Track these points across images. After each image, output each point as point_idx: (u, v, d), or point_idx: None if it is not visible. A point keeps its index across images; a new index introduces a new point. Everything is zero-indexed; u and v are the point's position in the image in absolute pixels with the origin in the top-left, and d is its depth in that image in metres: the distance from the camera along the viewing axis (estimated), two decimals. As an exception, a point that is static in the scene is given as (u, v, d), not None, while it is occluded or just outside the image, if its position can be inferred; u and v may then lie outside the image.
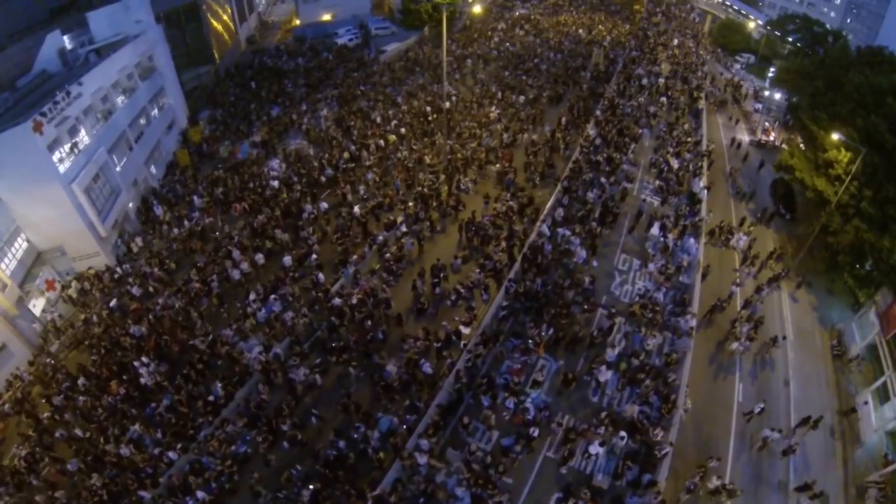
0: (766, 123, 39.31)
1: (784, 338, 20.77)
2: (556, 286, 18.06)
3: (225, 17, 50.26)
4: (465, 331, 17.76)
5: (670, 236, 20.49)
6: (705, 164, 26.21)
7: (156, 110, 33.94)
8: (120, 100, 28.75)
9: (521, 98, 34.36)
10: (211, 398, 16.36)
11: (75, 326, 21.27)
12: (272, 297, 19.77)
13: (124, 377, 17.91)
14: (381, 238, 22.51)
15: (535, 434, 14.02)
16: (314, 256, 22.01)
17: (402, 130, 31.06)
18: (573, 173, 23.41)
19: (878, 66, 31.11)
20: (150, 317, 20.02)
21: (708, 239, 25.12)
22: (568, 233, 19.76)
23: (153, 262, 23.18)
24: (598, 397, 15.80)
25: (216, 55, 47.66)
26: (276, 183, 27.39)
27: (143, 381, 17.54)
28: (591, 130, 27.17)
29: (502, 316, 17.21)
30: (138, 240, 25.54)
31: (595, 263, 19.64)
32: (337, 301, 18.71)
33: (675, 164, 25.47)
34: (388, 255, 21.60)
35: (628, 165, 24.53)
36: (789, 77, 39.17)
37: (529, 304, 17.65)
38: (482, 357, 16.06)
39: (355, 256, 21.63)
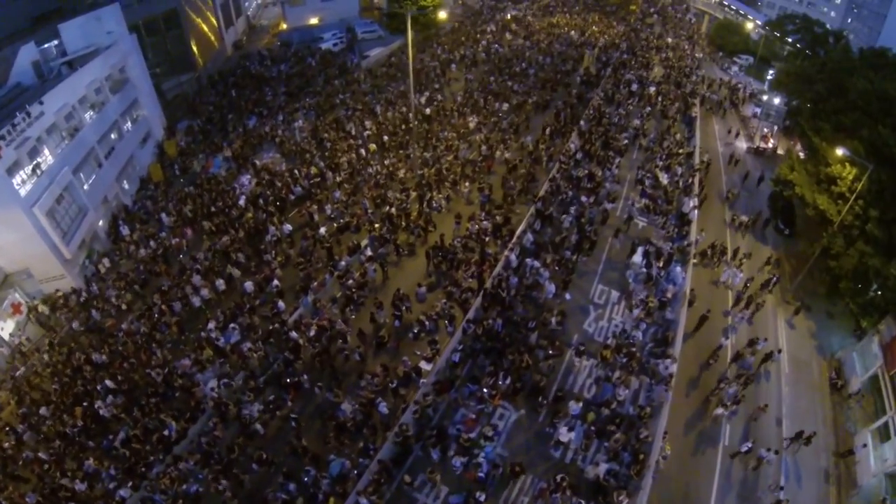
0: (765, 129, 36.55)
1: (779, 351, 18.80)
2: (518, 326, 15.81)
3: (209, 23, 48.08)
4: (426, 367, 15.89)
5: (655, 264, 18.07)
6: (696, 181, 23.49)
7: (129, 123, 32.24)
8: (88, 116, 27.11)
9: (505, 105, 31.90)
10: (166, 432, 15.42)
11: (41, 351, 20.28)
12: (231, 325, 18.41)
13: (85, 404, 17.00)
14: (343, 264, 20.77)
15: (482, 499, 11.98)
16: (275, 282, 20.37)
17: (375, 144, 28.79)
18: (548, 193, 20.88)
19: (883, 68, 28.41)
20: (111, 344, 19.03)
21: (699, 260, 22.73)
22: (537, 264, 17.38)
23: (119, 284, 22.12)
24: (561, 452, 13.67)
25: (199, 62, 45.62)
26: (242, 201, 25.54)
27: (101, 412, 16.65)
28: (572, 143, 24.58)
29: (458, 359, 15.02)
30: (105, 260, 24.22)
31: (568, 296, 17.26)
32: (293, 334, 17.16)
33: (664, 179, 22.96)
34: (350, 281, 19.81)
35: (611, 183, 21.88)
36: (789, 80, 36.34)
37: (490, 344, 15.53)
38: (433, 406, 14.18)
39: (315, 283, 19.90)
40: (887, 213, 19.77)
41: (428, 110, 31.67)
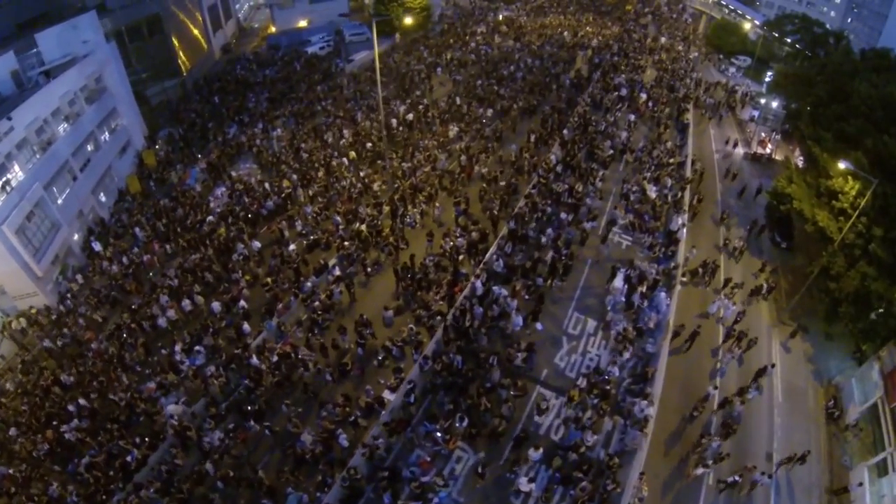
0: (762, 134, 34.49)
1: (772, 366, 17.21)
2: (480, 362, 14.18)
3: (196, 26, 46.47)
4: (389, 397, 14.84)
5: (637, 290, 16.24)
6: (687, 195, 21.47)
7: (106, 134, 31.00)
8: (62, 128, 25.91)
9: (490, 111, 30.04)
10: (129, 458, 14.80)
11: (13, 370, 19.63)
12: (196, 348, 17.55)
13: (55, 423, 16.42)
14: (309, 285, 19.37)
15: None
16: (242, 303, 19.14)
17: (352, 154, 27.07)
18: (524, 210, 18.99)
19: (886, 71, 26.32)
20: (80, 364, 18.31)
21: (688, 279, 20.89)
22: (504, 293, 15.61)
23: (91, 301, 21.29)
24: (522, 500, 12.10)
25: (185, 66, 44.06)
26: (212, 216, 24.23)
27: (66, 436, 16.02)
28: (553, 154, 22.65)
29: (413, 399, 13.46)
30: (78, 277, 23.31)
31: (539, 326, 15.47)
32: (255, 360, 16.04)
33: (652, 192, 21.02)
34: (316, 303, 18.44)
35: (591, 199, 19.89)
36: (787, 82, 34.23)
37: (451, 379, 13.95)
38: (387, 446, 12.87)
39: (281, 305, 18.57)
40: (892, 232, 17.79)
41: (410, 116, 29.93)
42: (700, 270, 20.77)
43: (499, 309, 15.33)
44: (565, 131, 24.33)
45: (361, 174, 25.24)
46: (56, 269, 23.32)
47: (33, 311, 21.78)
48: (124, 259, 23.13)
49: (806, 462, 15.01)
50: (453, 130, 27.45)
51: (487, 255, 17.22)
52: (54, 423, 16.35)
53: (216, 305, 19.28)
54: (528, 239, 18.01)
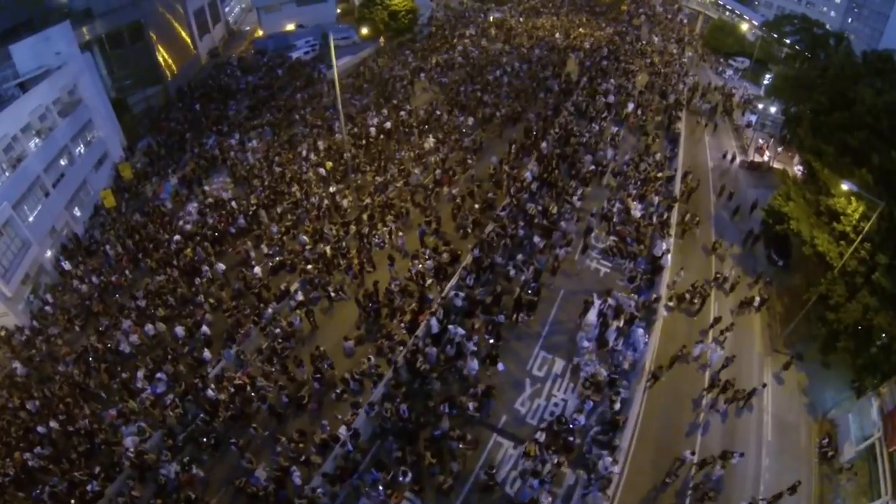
0: (760, 140, 32.33)
1: (763, 386, 15.75)
2: (429, 409, 12.59)
3: (180, 31, 44.79)
4: (344, 435, 13.28)
5: (613, 325, 14.39)
6: (675, 215, 19.43)
7: (81, 147, 29.71)
8: (33, 144, 24.68)
9: (471, 120, 28.11)
10: (89, 487, 13.95)
11: None
12: (158, 375, 16.81)
13: (22, 446, 15.70)
14: (269, 311, 17.97)
15: None
16: (204, 328, 18.10)
17: (329, 164, 25.33)
18: (490, 236, 17.08)
19: (890, 74, 24.05)
20: (46, 388, 17.41)
21: (675, 305, 18.99)
22: (461, 332, 13.86)
23: (61, 321, 20.37)
24: None
25: (169, 73, 42.43)
26: (178, 236, 22.83)
27: (30, 463, 15.24)
28: (528, 172, 20.65)
29: (352, 447, 11.98)
30: (48, 297, 22.25)
31: (500, 367, 13.70)
32: (210, 393, 15.18)
33: (636, 211, 19.07)
34: (277, 330, 17.19)
35: (567, 223, 17.79)
36: (786, 85, 31.94)
37: (401, 424, 12.45)
38: (330, 495, 11.65)
39: (242, 332, 17.31)
40: (899, 259, 15.84)
41: (388, 124, 28.11)
42: (687, 296, 18.87)
43: (455, 349, 13.58)
44: (543, 144, 22.25)
45: (332, 189, 23.50)
46: (28, 288, 22.31)
47: (2, 332, 20.70)
48: (93, 278, 22.06)
49: (796, 492, 13.31)
50: (429, 142, 25.55)
51: (446, 289, 15.40)
52: (21, 445, 15.61)
53: (179, 330, 18.29)
54: (495, 267, 16.14)
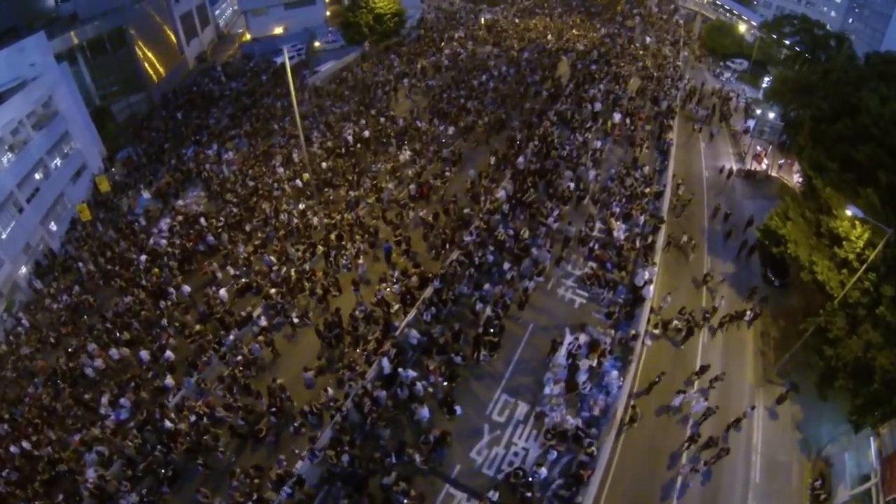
0: (758, 147, 30.36)
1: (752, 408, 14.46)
2: (374, 462, 11.29)
3: (166, 36, 43.38)
4: (301, 470, 12.50)
5: (583, 364, 12.77)
6: (661, 238, 17.56)
7: (57, 160, 28.64)
8: (5, 159, 23.84)
9: (452, 129, 26.42)
10: None
11: None
12: (121, 401, 16.07)
13: None
14: (231, 338, 16.85)
15: None
16: (168, 353, 17.16)
17: (306, 176, 23.80)
18: (454, 266, 15.28)
19: (894, 78, 22.06)
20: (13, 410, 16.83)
21: (661, 332, 17.31)
22: (412, 375, 12.34)
23: (32, 341, 19.74)
24: None
25: (154, 79, 41.09)
26: (145, 255, 21.64)
27: None
28: (501, 191, 18.90)
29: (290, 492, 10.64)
30: (21, 315, 21.49)
31: (458, 410, 12.24)
32: (167, 424, 14.36)
33: (619, 232, 17.33)
34: (239, 357, 16.13)
35: (539, 250, 15.89)
36: (786, 89, 29.95)
37: (350, 471, 11.18)
38: None
39: (203, 359, 16.39)
40: (906, 291, 14.01)
41: (367, 133, 26.50)
42: (676, 322, 17.14)
43: (408, 392, 12.10)
44: (520, 159, 20.46)
45: (301, 206, 22.02)
46: (1, 306, 21.79)
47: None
48: (65, 297, 21.21)
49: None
50: (405, 154, 23.91)
51: (401, 326, 13.86)
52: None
53: (144, 354, 17.43)
54: (460, 299, 14.54)
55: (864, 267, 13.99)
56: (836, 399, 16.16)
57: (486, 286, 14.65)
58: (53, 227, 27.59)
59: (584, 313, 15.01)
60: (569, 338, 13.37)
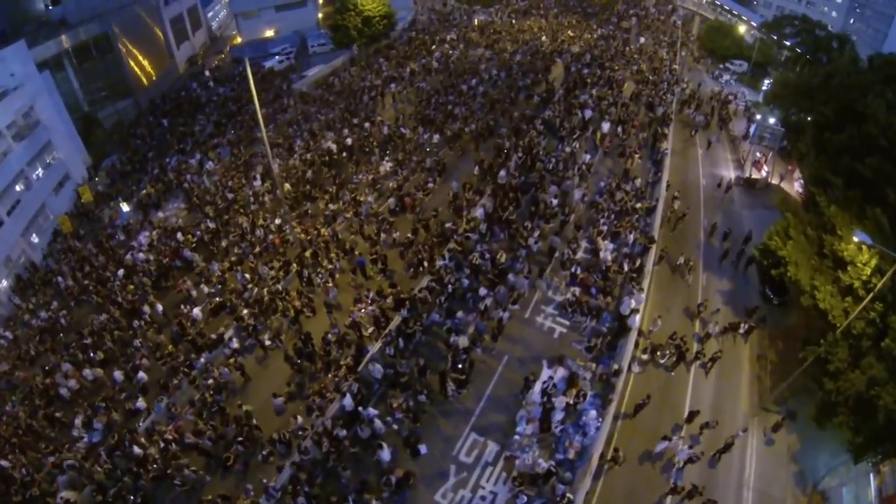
0: (758, 154, 28.95)
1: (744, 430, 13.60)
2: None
3: (155, 41, 42.41)
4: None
5: (559, 401, 11.65)
6: (651, 260, 16.27)
7: (39, 170, 28.06)
8: None
9: (437, 136, 25.21)
10: None
11: None
12: (94, 423, 15.49)
13: None
14: (201, 361, 16.14)
15: None
16: (141, 374, 16.49)
17: (287, 186, 22.71)
18: (424, 294, 14.10)
19: (899, 81, 20.59)
20: None
21: (649, 358, 16.13)
22: (373, 413, 11.28)
23: (11, 358, 19.23)
24: None
25: (146, 82, 40.20)
26: (122, 270, 20.84)
27: None
28: (479, 209, 17.68)
29: None
30: (1, 330, 21.08)
31: (423, 450, 11.22)
32: (136, 450, 13.82)
33: (607, 252, 16.13)
34: (210, 381, 15.46)
35: (515, 276, 14.60)
36: (787, 92, 28.47)
37: None
38: None
39: (174, 383, 15.77)
40: (915, 323, 12.74)
41: (350, 141, 25.37)
42: (667, 345, 15.91)
43: (370, 431, 11.06)
44: (502, 173, 19.20)
45: (278, 221, 20.99)
46: None
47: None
48: (43, 313, 20.53)
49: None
50: (386, 165, 22.75)
51: (364, 361, 12.78)
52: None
53: (118, 375, 16.86)
54: (431, 328, 13.41)
55: (871, 296, 12.71)
56: (837, 428, 14.98)
57: (459, 314, 13.49)
58: (35, 239, 26.90)
59: (563, 344, 13.78)
60: (546, 373, 12.23)
